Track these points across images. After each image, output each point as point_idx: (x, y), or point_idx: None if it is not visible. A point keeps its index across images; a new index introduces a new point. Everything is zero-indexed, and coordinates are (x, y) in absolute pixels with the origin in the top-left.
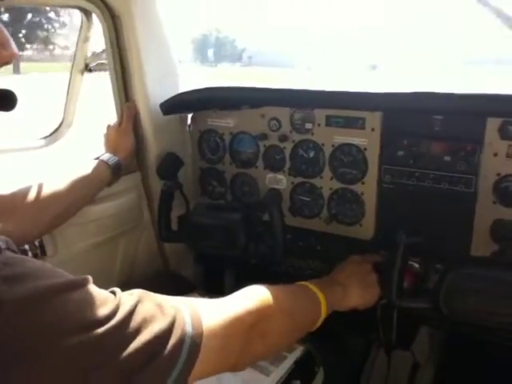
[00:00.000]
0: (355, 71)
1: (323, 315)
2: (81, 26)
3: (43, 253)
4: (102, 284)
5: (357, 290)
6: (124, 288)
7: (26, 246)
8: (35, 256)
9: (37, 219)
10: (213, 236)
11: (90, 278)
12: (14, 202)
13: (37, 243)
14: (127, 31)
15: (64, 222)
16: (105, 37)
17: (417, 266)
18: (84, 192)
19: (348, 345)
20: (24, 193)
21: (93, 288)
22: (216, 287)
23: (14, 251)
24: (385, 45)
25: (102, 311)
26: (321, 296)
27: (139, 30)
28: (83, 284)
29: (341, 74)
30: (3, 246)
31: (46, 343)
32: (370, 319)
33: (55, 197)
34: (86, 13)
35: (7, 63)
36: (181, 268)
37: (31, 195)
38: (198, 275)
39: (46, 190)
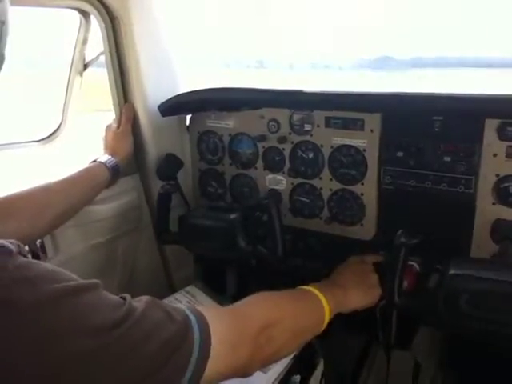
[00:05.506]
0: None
1: (327, 318)
2: (79, 28)
3: (44, 254)
4: (102, 285)
5: (357, 292)
6: (124, 288)
7: (26, 247)
8: (36, 257)
9: (36, 221)
10: (212, 238)
11: (100, 283)
12: (14, 204)
13: (38, 244)
14: (125, 32)
15: (63, 224)
16: (103, 38)
17: (417, 266)
18: (82, 194)
19: (347, 344)
20: (23, 194)
21: (103, 293)
22: (216, 288)
23: (24, 256)
24: None
25: (113, 316)
26: (323, 299)
27: (138, 31)
28: (94, 288)
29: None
30: (15, 250)
31: (55, 346)
32: (370, 319)
33: (54, 198)
34: (85, 14)
35: None
36: (181, 269)
37: (30, 197)
38: (198, 276)
39: (45, 192)
